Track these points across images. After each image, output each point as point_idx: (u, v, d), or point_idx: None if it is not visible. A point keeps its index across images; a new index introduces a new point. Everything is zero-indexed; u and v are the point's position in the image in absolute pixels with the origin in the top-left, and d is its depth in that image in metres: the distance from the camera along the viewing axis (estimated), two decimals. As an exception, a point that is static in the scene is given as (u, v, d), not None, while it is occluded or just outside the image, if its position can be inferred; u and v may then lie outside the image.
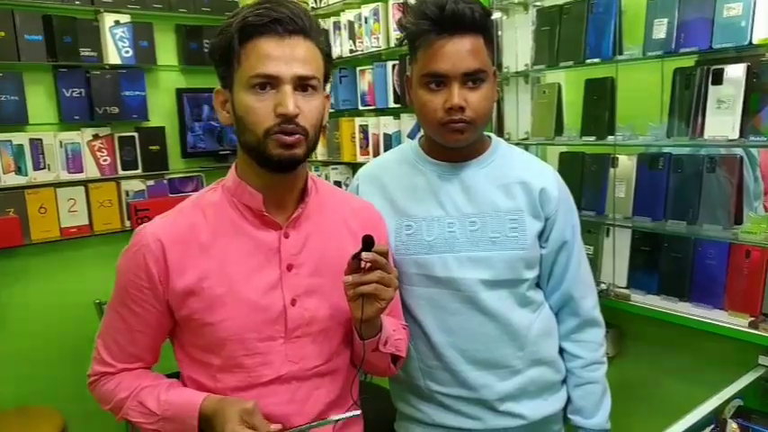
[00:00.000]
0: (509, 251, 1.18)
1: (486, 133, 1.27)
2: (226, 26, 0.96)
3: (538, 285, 1.27)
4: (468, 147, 1.20)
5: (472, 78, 1.12)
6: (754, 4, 1.45)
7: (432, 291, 1.20)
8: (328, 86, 1.08)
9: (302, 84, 0.95)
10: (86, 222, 2.54)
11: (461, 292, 1.19)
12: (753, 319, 1.51)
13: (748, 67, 1.50)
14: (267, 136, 0.95)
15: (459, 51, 1.10)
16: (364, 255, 0.96)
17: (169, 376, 1.09)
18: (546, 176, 1.24)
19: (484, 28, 1.13)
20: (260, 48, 0.93)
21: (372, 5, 2.49)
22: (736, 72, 1.52)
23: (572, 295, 1.26)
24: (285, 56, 0.93)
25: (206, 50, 2.79)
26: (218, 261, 1.00)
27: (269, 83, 0.94)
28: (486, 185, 1.21)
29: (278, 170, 0.99)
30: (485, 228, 1.19)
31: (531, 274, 1.22)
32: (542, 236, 1.23)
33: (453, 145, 1.18)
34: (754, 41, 1.46)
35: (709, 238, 1.60)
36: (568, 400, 1.30)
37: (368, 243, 0.96)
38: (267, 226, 1.03)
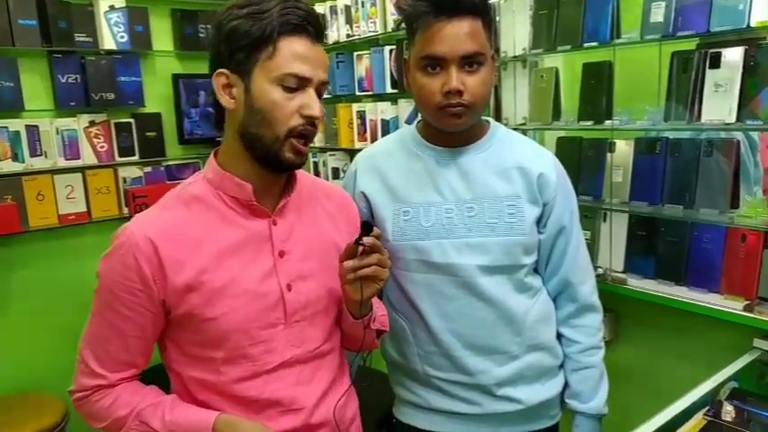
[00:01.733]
0: (507, 237, 1.18)
1: (484, 118, 1.26)
2: (253, 12, 0.94)
3: (536, 271, 1.27)
4: (465, 131, 1.19)
5: (470, 61, 1.11)
6: (753, -14, 1.44)
7: (429, 276, 1.21)
8: None
9: (319, 89, 0.98)
10: (84, 209, 2.54)
11: (459, 277, 1.19)
12: (748, 302, 1.52)
13: (746, 51, 1.49)
14: (288, 136, 0.96)
15: (457, 34, 1.09)
16: (366, 240, 0.99)
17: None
18: (544, 161, 1.23)
19: (483, 11, 1.13)
20: (295, 47, 0.94)
21: (369, -11, 2.46)
22: (733, 55, 1.51)
23: (570, 281, 1.26)
24: (316, 60, 0.96)
25: (202, 35, 2.77)
26: (213, 254, 0.99)
27: (299, 84, 0.95)
28: (483, 171, 1.20)
29: (278, 170, 1.01)
30: (482, 213, 1.18)
31: (530, 260, 1.22)
32: (540, 221, 1.23)
33: (451, 129, 1.17)
34: (752, 24, 1.45)
35: (706, 223, 1.61)
36: (566, 385, 1.30)
37: (368, 228, 0.99)
38: (255, 215, 1.02)
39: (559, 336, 1.30)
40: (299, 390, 1.05)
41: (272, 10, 0.93)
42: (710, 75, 1.55)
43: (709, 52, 1.55)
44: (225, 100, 0.98)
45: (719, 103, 1.53)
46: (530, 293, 1.24)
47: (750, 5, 1.45)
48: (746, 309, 1.52)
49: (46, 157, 2.43)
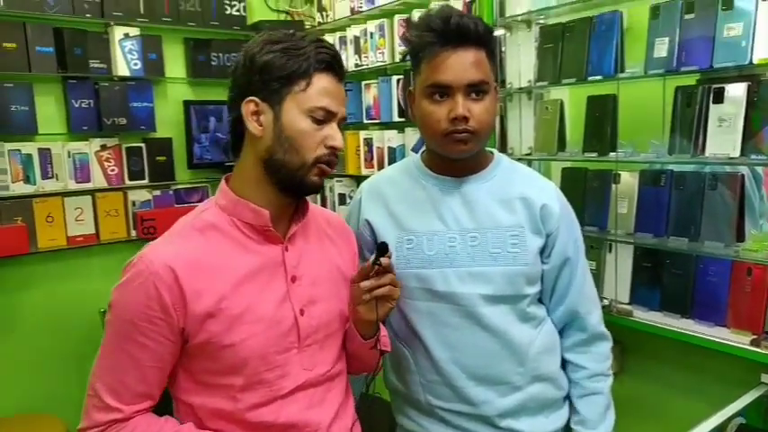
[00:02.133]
0: (509, 267, 1.18)
1: (488, 149, 1.28)
2: (294, 49, 1.00)
3: (540, 301, 1.27)
4: (469, 161, 1.21)
5: (476, 90, 1.13)
6: (755, 24, 1.47)
7: (432, 305, 1.21)
8: None
9: (341, 122, 1.05)
10: (93, 231, 2.56)
11: (462, 306, 1.18)
12: (755, 336, 1.51)
13: (749, 86, 1.51)
14: (315, 164, 1.01)
15: (462, 63, 1.12)
16: (383, 260, 1.05)
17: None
18: (547, 193, 1.24)
19: (487, 42, 1.16)
20: (325, 83, 1.01)
21: (378, 21, 2.52)
22: (736, 91, 1.53)
23: (577, 311, 1.26)
24: (340, 97, 1.04)
25: (213, 63, 2.83)
26: (231, 281, 1.00)
27: (326, 116, 1.01)
28: (487, 200, 1.21)
29: (302, 194, 1.05)
30: (485, 243, 1.19)
31: (533, 290, 1.22)
32: (544, 252, 1.23)
33: (456, 156, 1.18)
34: (755, 61, 1.48)
35: (711, 256, 1.61)
36: (572, 412, 1.29)
37: (383, 249, 1.05)
38: (269, 241, 1.04)
39: (566, 363, 1.29)
40: (312, 413, 1.06)
41: (308, 47, 1.00)
42: (714, 109, 1.57)
43: (712, 87, 1.58)
44: (253, 126, 1.01)
45: (723, 138, 1.54)
46: (533, 324, 1.23)
47: (752, 43, 1.48)
48: (753, 343, 1.51)
49: (57, 179, 2.46)
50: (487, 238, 1.19)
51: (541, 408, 1.24)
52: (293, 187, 1.03)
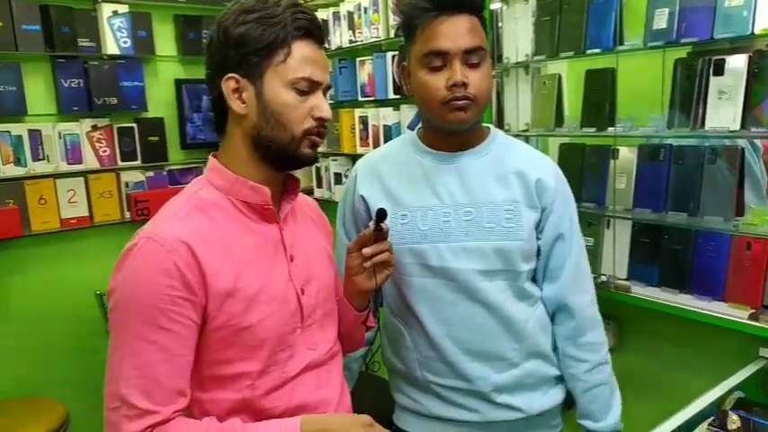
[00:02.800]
0: (504, 241, 1.17)
1: (484, 124, 1.26)
2: (268, 17, 0.94)
3: (534, 280, 1.26)
4: (465, 135, 1.20)
5: (473, 56, 1.12)
6: (757, -7, 1.44)
7: (427, 281, 1.20)
8: None
9: (325, 91, 1.01)
10: (86, 213, 2.54)
11: (456, 282, 1.18)
12: (753, 311, 1.51)
13: (750, 58, 1.49)
14: (304, 136, 0.98)
15: (458, 29, 1.10)
16: (383, 225, 1.05)
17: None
18: (543, 167, 1.23)
19: (480, 9, 1.16)
20: (306, 51, 0.96)
21: (372, -5, 2.47)
22: (737, 62, 1.51)
23: (568, 291, 1.23)
24: (323, 63, 0.99)
25: (205, 41, 2.77)
26: (243, 259, 0.96)
27: (309, 86, 0.97)
28: (482, 175, 1.20)
29: (295, 167, 1.02)
30: (480, 218, 1.18)
31: (528, 266, 1.21)
32: (538, 226, 1.22)
33: (456, 126, 1.16)
34: (756, 32, 1.45)
35: (710, 230, 1.60)
36: (578, 405, 1.27)
37: (383, 215, 1.05)
38: (266, 220, 1.02)
39: (563, 355, 1.26)
40: (320, 393, 1.05)
41: (283, 14, 0.95)
42: (714, 82, 1.54)
43: (713, 59, 1.55)
44: (236, 104, 0.97)
45: (723, 111, 1.52)
46: (530, 301, 1.23)
47: (754, 12, 1.44)
48: (752, 317, 1.51)
49: (48, 161, 2.42)
50: (482, 212, 1.18)
51: (539, 384, 1.25)
52: (286, 162, 1.00)
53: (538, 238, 1.22)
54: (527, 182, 1.20)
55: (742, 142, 1.60)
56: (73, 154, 2.49)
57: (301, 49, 0.96)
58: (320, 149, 3.18)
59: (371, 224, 1.06)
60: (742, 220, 1.55)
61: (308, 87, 0.96)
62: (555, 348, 1.27)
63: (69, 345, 2.53)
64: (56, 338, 2.51)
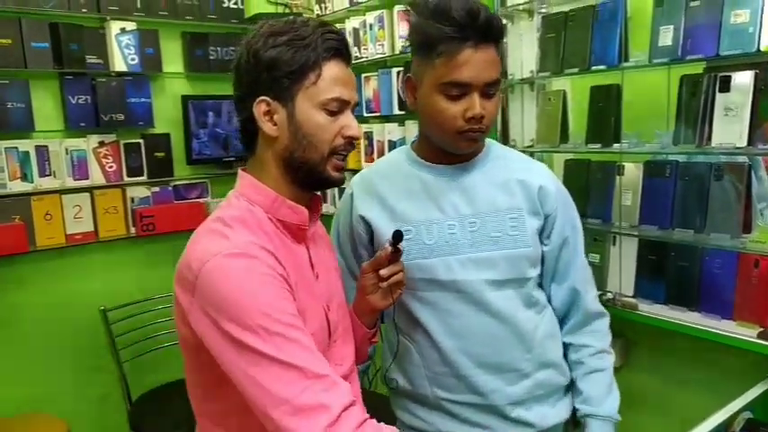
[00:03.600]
0: (512, 250, 1.18)
1: None
2: (298, 39, 0.94)
3: (540, 286, 1.27)
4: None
5: (491, 87, 1.12)
6: (762, 10, 1.44)
7: (436, 294, 1.19)
8: None
9: (354, 108, 1.02)
10: (92, 229, 2.55)
11: (466, 293, 1.18)
12: (762, 329, 1.49)
13: (756, 75, 1.48)
14: (331, 155, 0.98)
15: (483, 62, 1.09)
16: (400, 246, 1.08)
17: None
18: (542, 174, 1.25)
19: (502, 37, 1.16)
20: (336, 71, 0.97)
21: (377, 12, 2.49)
22: (743, 79, 1.50)
23: (577, 290, 1.26)
24: (351, 82, 1.00)
25: (212, 58, 2.80)
26: (293, 276, 0.96)
27: (340, 107, 0.98)
28: (483, 185, 1.21)
29: (322, 188, 1.04)
30: (485, 227, 1.18)
31: (535, 272, 1.23)
32: (543, 233, 1.23)
33: (464, 151, 1.19)
34: (762, 48, 1.44)
35: (717, 248, 1.58)
36: (575, 392, 1.29)
37: (399, 236, 1.07)
38: (297, 239, 1.02)
39: (568, 346, 1.29)
40: None
41: (313, 36, 0.95)
42: (720, 98, 1.54)
43: (719, 76, 1.54)
44: (267, 127, 0.97)
45: (730, 127, 1.51)
46: (537, 309, 1.24)
47: (760, 29, 1.44)
48: (761, 336, 1.48)
49: (55, 177, 2.44)
50: (487, 222, 1.19)
51: (549, 394, 1.25)
52: (314, 183, 1.01)
53: (543, 244, 1.24)
54: (529, 189, 1.21)
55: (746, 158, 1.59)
56: (79, 170, 2.50)
57: (331, 70, 0.96)
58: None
59: (388, 246, 1.08)
60: (749, 238, 1.53)
61: (338, 107, 0.97)
62: (564, 356, 1.29)
63: (72, 361, 2.53)
64: (58, 354, 2.51)
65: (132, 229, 2.63)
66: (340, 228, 1.31)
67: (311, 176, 0.99)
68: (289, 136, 0.97)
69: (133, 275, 2.63)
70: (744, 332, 1.51)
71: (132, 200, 2.65)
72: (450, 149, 1.18)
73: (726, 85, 1.53)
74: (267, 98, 0.96)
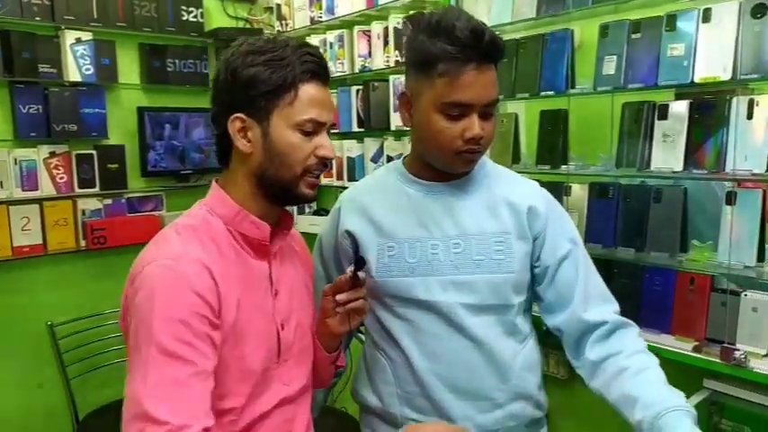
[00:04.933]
0: (494, 274, 1.14)
1: None
2: (276, 60, 0.95)
3: (526, 312, 1.22)
4: None
5: (490, 108, 1.10)
6: (696, 44, 1.54)
7: (414, 314, 1.16)
8: None
9: (330, 128, 1.03)
10: (40, 241, 2.46)
11: (444, 316, 1.14)
12: (697, 343, 1.57)
13: (691, 104, 1.59)
14: (304, 174, 1.00)
15: (484, 83, 1.07)
16: (361, 275, 1.05)
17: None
18: (532, 194, 1.20)
19: (503, 57, 1.12)
20: (312, 93, 0.98)
21: (338, 31, 2.53)
22: (679, 108, 1.60)
23: (581, 311, 1.15)
24: (328, 103, 1.01)
25: (169, 69, 2.78)
26: (240, 291, 0.98)
27: (315, 128, 0.99)
28: (472, 207, 1.17)
29: (294, 204, 1.05)
30: (469, 250, 1.14)
31: (519, 299, 1.17)
32: (533, 256, 1.18)
33: (461, 171, 1.16)
34: (696, 80, 1.55)
35: (657, 266, 1.67)
36: (627, 405, 1.06)
37: (362, 263, 1.06)
38: (258, 254, 1.03)
39: (592, 365, 1.14)
40: (282, 429, 1.05)
41: (291, 57, 0.96)
42: (659, 125, 1.64)
43: (657, 104, 1.64)
44: (241, 144, 0.98)
45: (668, 152, 1.61)
46: (518, 338, 1.18)
47: (694, 62, 1.55)
48: (696, 349, 1.57)
49: (2, 187, 2.35)
50: (471, 245, 1.14)
51: (520, 427, 1.20)
52: (286, 199, 1.03)
53: (534, 267, 1.18)
54: (518, 212, 1.16)
55: (686, 183, 1.69)
56: (29, 180, 2.43)
57: (307, 91, 0.97)
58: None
59: (349, 271, 1.06)
60: (686, 257, 1.63)
61: (312, 128, 0.98)
62: (540, 388, 1.23)
63: (16, 377, 2.43)
64: (2, 369, 2.40)
65: (83, 242, 2.56)
66: (324, 242, 1.29)
67: (284, 193, 1.01)
68: (262, 153, 0.98)
69: (82, 289, 2.56)
70: (681, 346, 1.59)
71: (83, 212, 2.58)
72: (445, 169, 1.15)
73: (664, 113, 1.63)
74: (242, 115, 0.98)
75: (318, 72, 0.99)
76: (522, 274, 1.16)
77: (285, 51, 0.96)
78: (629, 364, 1.09)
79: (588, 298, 1.17)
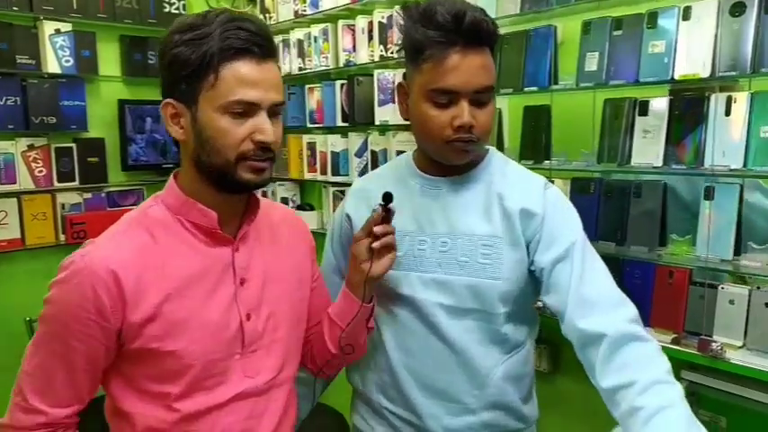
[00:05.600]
0: (477, 278, 1.09)
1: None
2: (191, 39, 0.89)
3: (523, 323, 1.16)
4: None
5: (482, 95, 1.05)
6: (676, 42, 1.57)
7: (395, 307, 1.16)
8: None
9: (273, 109, 0.94)
10: (18, 236, 2.43)
11: (423, 315, 1.12)
12: (676, 335, 1.60)
13: (671, 100, 1.61)
14: (240, 161, 0.93)
15: (472, 67, 1.02)
16: (392, 206, 1.05)
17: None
18: (530, 194, 1.11)
19: (495, 42, 1.07)
20: (240, 72, 0.90)
21: (322, 25, 2.52)
22: (660, 104, 1.63)
23: (577, 318, 1.04)
24: (264, 82, 0.92)
25: (150, 62, 2.75)
26: (176, 282, 0.94)
27: (247, 108, 0.91)
28: (465, 206, 1.13)
29: (239, 192, 0.98)
30: (454, 250, 1.11)
31: (507, 308, 1.11)
32: (529, 261, 1.11)
33: (456, 163, 1.12)
34: (676, 77, 1.57)
35: (637, 259, 1.69)
36: None
37: (390, 197, 1.04)
38: (218, 242, 1.00)
39: (607, 396, 0.99)
40: (250, 423, 1.02)
41: (214, 33, 0.89)
42: (639, 121, 1.66)
43: (638, 100, 1.67)
44: (174, 130, 0.95)
45: (648, 148, 1.64)
46: (504, 347, 1.13)
47: (674, 59, 1.57)
48: (674, 342, 1.60)
49: (-22, 180, 2.33)
50: (458, 245, 1.11)
51: None
52: (228, 187, 0.96)
53: (531, 272, 1.10)
54: (509, 215, 1.10)
55: (665, 178, 1.72)
56: (6, 174, 2.39)
57: (234, 70, 0.89)
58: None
59: (379, 207, 1.05)
60: (665, 251, 1.66)
61: (243, 110, 0.91)
62: (525, 400, 1.18)
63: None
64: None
65: (62, 237, 2.53)
66: (334, 229, 1.29)
67: (223, 180, 0.94)
68: (194, 140, 0.93)
69: (62, 285, 2.52)
70: (660, 338, 1.62)
71: (63, 206, 2.56)
72: (441, 160, 1.12)
73: (644, 110, 1.65)
74: (172, 101, 0.93)
75: (247, 48, 0.90)
76: (512, 282, 1.10)
77: (210, 28, 0.89)
78: (644, 404, 0.92)
79: (586, 304, 1.04)
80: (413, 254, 1.14)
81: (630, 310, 1.05)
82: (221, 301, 0.98)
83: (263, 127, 0.92)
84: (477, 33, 1.02)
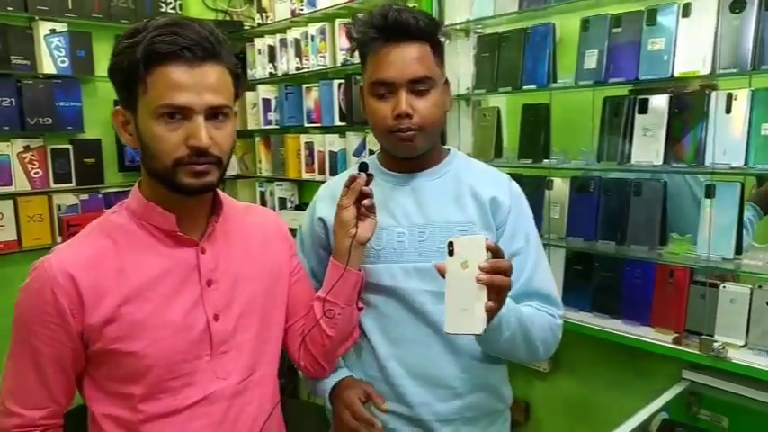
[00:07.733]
0: None
1: (445, 147, 1.29)
2: (127, 47, 0.90)
3: None
4: (421, 157, 1.21)
5: (419, 85, 1.13)
6: (676, 39, 1.56)
7: (378, 300, 1.20)
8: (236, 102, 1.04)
9: (214, 112, 0.93)
10: (14, 238, 2.42)
11: (406, 302, 1.18)
12: (677, 335, 1.59)
13: (671, 98, 1.60)
14: (177, 166, 0.92)
15: (404, 58, 1.11)
16: (370, 172, 1.12)
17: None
18: (498, 185, 1.23)
19: (430, 35, 1.15)
20: (168, 76, 0.89)
21: (319, 24, 2.51)
22: (659, 102, 1.61)
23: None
24: (196, 85, 0.90)
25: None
26: (136, 285, 0.96)
27: (179, 113, 0.91)
28: (437, 196, 1.21)
29: (188, 195, 0.97)
30: (433, 238, 1.18)
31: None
32: None
33: (404, 154, 1.18)
34: (676, 74, 1.56)
35: (637, 259, 1.68)
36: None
37: (365, 167, 1.12)
38: (182, 244, 1.00)
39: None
40: (223, 428, 1.01)
41: (143, 41, 0.88)
42: (639, 119, 1.65)
43: (637, 98, 1.65)
44: (124, 137, 0.98)
45: (648, 146, 1.62)
46: None
47: (674, 57, 1.56)
48: (675, 341, 1.59)
49: (-26, 182, 2.31)
50: (435, 233, 1.18)
51: (480, 418, 1.23)
52: (177, 191, 0.95)
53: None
54: (482, 203, 1.20)
55: (665, 176, 1.71)
56: (2, 175, 2.38)
57: (164, 76, 0.89)
58: (265, 173, 3.14)
59: (360, 174, 1.11)
60: (665, 250, 1.64)
61: (176, 114, 0.90)
62: (504, 381, 1.28)
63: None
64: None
65: (59, 238, 2.51)
66: (305, 234, 1.32)
67: (170, 185, 0.95)
68: (139, 146, 0.96)
69: (59, 286, 2.51)
70: (660, 338, 1.61)
71: (59, 207, 2.54)
72: (393, 152, 1.20)
73: (644, 107, 1.64)
74: (120, 108, 0.96)
75: (174, 51, 0.88)
76: None
77: (143, 35, 0.89)
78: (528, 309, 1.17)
79: (531, 296, 1.20)
80: (392, 246, 1.20)
81: (559, 309, 1.24)
82: (185, 302, 0.99)
83: (196, 132, 0.91)
84: (405, 28, 1.11)
